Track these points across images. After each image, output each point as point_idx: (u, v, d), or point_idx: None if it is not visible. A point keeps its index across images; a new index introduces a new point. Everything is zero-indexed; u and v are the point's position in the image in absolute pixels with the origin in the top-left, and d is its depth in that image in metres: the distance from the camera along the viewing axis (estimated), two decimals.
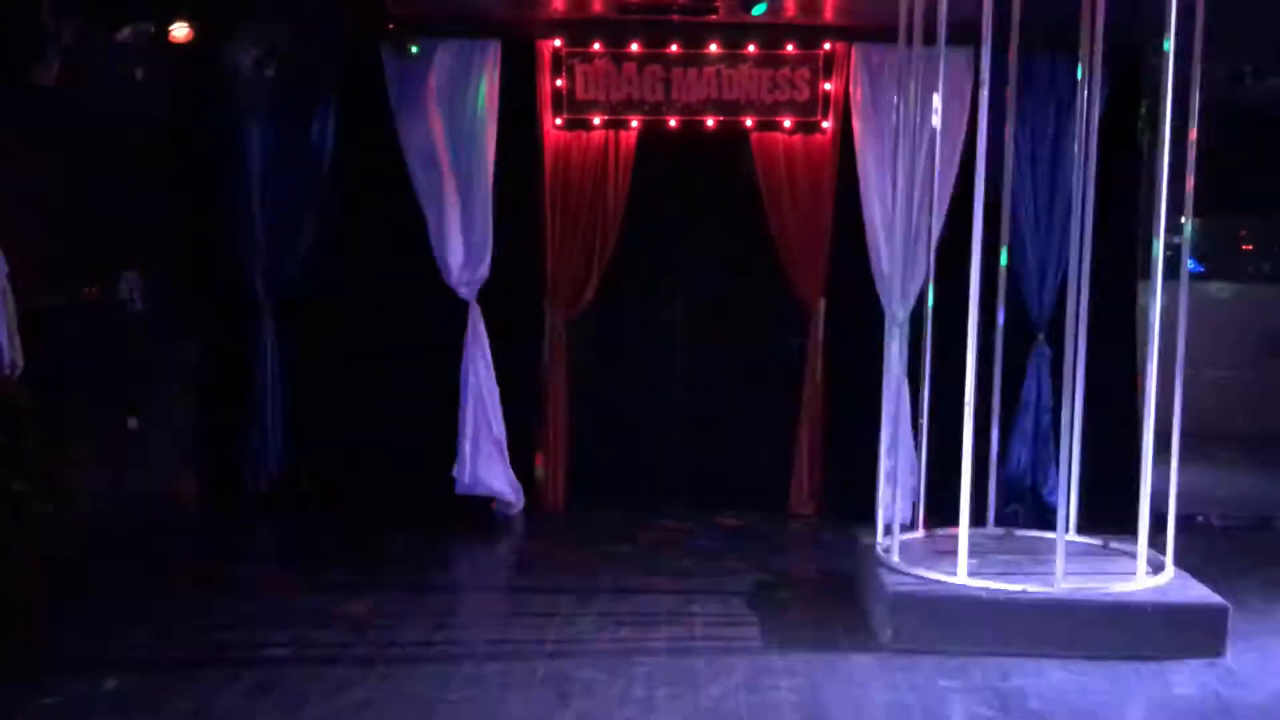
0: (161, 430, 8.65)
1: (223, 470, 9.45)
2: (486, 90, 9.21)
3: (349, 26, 8.80)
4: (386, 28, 8.75)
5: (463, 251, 9.29)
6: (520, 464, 9.45)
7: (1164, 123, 6.60)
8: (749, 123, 9.32)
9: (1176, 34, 6.52)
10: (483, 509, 9.31)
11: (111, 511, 8.26)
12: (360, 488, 9.32)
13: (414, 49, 8.97)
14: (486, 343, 9.35)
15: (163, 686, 5.82)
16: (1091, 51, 7.02)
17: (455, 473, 9.27)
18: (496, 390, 9.36)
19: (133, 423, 8.45)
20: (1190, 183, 6.80)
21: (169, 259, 9.28)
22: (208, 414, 9.47)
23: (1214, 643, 6.44)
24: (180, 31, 7.97)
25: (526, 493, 9.46)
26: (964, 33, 7.02)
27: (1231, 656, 6.41)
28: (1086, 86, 7.08)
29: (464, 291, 9.33)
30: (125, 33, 7.74)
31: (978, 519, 7.36)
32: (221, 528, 9.01)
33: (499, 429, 9.35)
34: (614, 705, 5.69)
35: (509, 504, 9.35)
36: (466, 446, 9.27)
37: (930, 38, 7.13)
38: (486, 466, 9.29)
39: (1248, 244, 13.01)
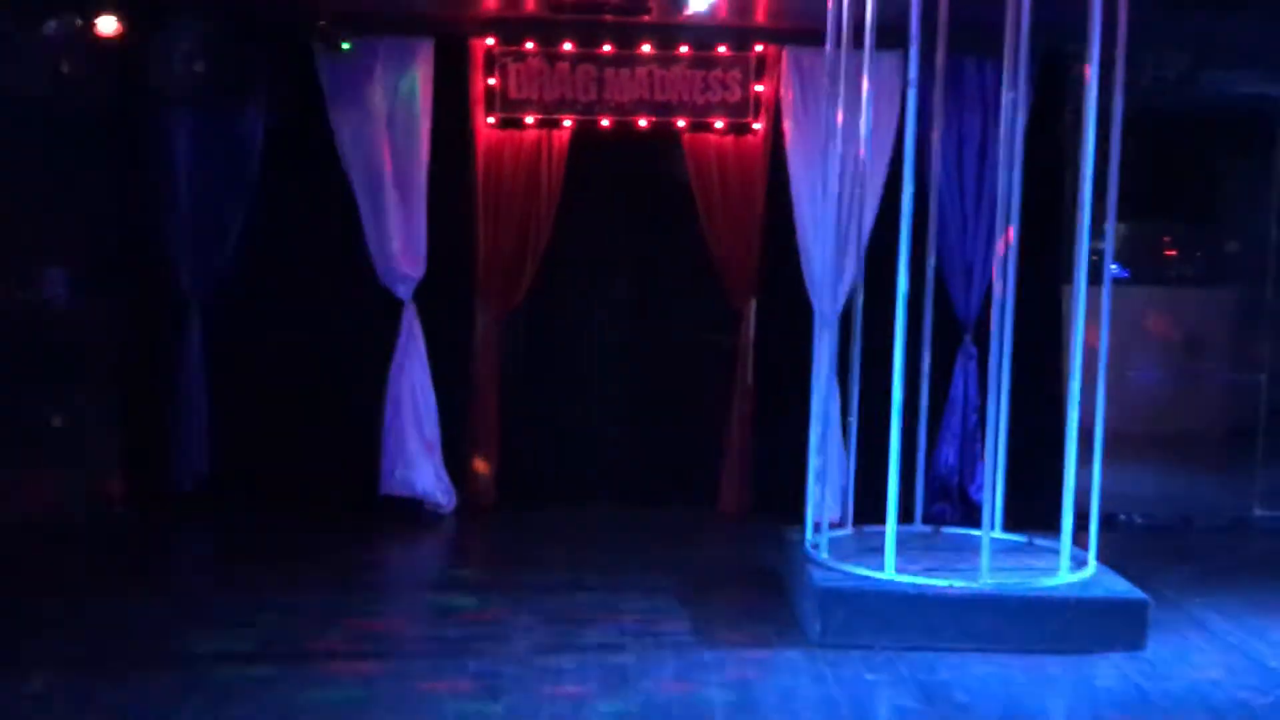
0: (87, 429, 8.53)
1: (149, 469, 9.33)
2: (419, 88, 9.19)
3: (280, 21, 8.75)
4: (318, 24, 8.69)
5: (398, 250, 9.25)
6: (451, 462, 9.42)
7: (1087, 128, 6.72)
8: (681, 123, 9.36)
9: (1100, 41, 6.65)
10: (413, 507, 9.26)
11: (34, 510, 8.15)
12: (289, 486, 9.24)
13: (346, 45, 8.92)
14: (422, 342, 9.32)
15: (85, 686, 5.74)
16: (1016, 57, 7.10)
17: (382, 472, 9.22)
18: (431, 389, 9.33)
19: (57, 421, 8.33)
20: (1113, 188, 6.95)
21: (95, 254, 9.16)
22: (134, 412, 9.36)
23: (1135, 636, 6.57)
24: (107, 25, 7.86)
25: (458, 491, 9.43)
26: (893, 36, 7.11)
27: (1151, 649, 6.54)
28: (1011, 91, 7.16)
29: (400, 290, 9.30)
30: (51, 25, 7.64)
31: (905, 516, 7.45)
32: (147, 526, 8.90)
33: (431, 429, 9.31)
34: (544, 701, 5.69)
35: (438, 504, 9.31)
36: (393, 445, 9.22)
37: (859, 41, 7.23)
38: (416, 466, 9.23)
39: (1171, 249, 13.24)
